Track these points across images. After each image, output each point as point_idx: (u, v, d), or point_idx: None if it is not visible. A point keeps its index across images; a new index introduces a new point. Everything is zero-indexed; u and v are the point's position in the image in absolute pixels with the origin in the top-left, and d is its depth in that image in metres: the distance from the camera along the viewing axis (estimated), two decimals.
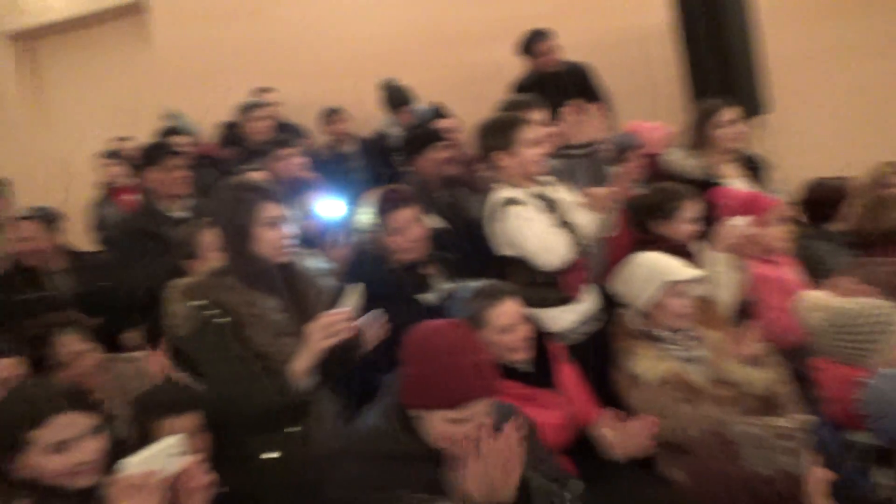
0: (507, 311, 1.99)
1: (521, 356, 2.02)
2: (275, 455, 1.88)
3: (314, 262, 2.67)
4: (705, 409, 2.11)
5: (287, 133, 4.13)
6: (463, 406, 1.50)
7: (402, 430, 1.56)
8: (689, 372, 2.20)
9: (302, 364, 1.81)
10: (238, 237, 1.88)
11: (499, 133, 2.48)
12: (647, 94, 4.56)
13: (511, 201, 2.42)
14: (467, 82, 4.70)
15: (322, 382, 1.92)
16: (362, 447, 1.58)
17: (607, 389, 2.27)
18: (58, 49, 6.10)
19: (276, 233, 1.89)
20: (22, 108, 6.08)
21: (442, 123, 3.92)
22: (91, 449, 1.49)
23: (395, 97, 4.53)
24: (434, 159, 3.52)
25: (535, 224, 2.41)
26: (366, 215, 2.41)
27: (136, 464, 1.41)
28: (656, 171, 3.15)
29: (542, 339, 2.13)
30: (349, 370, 1.99)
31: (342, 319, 1.79)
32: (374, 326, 1.94)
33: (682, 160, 3.07)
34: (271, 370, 1.83)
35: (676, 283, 2.23)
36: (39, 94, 6.18)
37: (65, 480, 1.46)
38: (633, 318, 2.32)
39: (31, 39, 6.05)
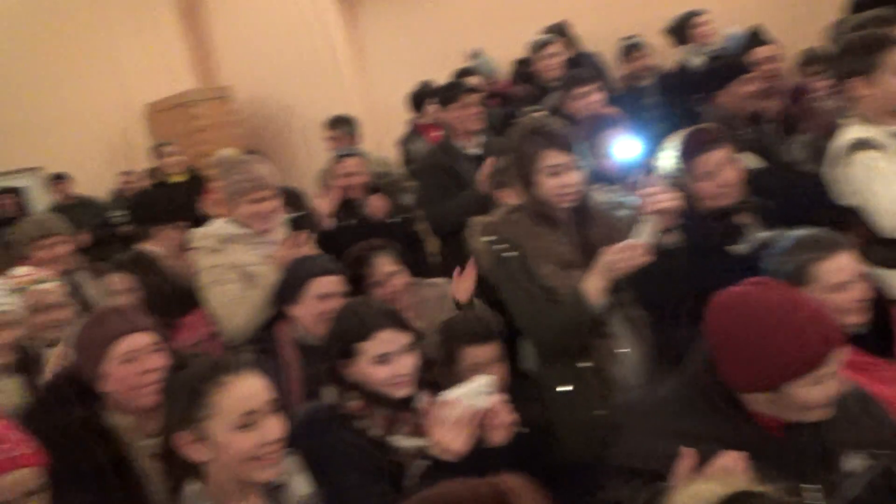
0: (841, 266, 1.70)
1: (854, 319, 1.72)
2: (569, 388, 1.90)
3: (611, 196, 2.58)
4: None
5: (582, 67, 4.00)
6: (816, 368, 1.28)
7: (728, 408, 1.37)
8: None
9: (595, 283, 1.80)
10: (523, 180, 1.94)
11: (860, 55, 2.07)
12: None
13: (862, 144, 2.04)
14: (792, 3, 4.09)
15: (616, 306, 1.89)
16: (665, 421, 1.42)
17: None
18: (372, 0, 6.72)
19: (558, 180, 1.89)
20: (346, 56, 6.83)
21: (757, 52, 3.49)
22: (407, 363, 1.65)
23: (678, 21, 4.21)
24: (740, 93, 3.18)
25: (890, 178, 2.00)
26: (668, 158, 2.22)
27: (452, 397, 1.52)
28: None
29: (881, 303, 1.80)
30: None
31: (637, 249, 1.76)
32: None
33: None
34: (558, 300, 1.85)
35: None
36: (359, 43, 6.88)
37: (386, 388, 1.63)
38: None
39: None
